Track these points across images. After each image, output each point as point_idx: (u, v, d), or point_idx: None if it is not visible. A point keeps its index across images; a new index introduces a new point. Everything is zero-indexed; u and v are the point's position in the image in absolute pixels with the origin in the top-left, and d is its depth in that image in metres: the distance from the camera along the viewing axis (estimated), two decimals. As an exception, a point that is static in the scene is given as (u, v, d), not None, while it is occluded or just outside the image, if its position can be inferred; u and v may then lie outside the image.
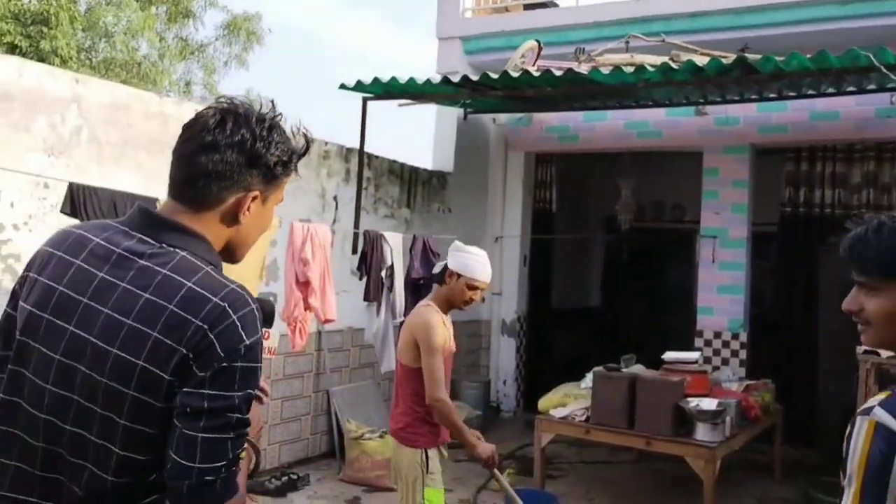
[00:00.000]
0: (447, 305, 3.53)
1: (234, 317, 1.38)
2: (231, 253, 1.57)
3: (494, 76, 6.02)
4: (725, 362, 7.79)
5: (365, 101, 6.77)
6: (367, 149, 6.86)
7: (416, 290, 5.52)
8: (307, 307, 4.95)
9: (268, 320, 1.73)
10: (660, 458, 6.23)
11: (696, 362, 6.00)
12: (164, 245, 1.45)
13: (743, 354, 7.82)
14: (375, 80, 6.37)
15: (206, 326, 1.35)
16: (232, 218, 1.51)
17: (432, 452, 3.46)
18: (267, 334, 1.67)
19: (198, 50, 19.09)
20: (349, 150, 6.92)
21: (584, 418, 5.67)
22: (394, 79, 6.34)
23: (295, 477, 6.02)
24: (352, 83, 6.49)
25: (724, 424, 5.25)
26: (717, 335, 7.94)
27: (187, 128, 1.53)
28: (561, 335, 9.88)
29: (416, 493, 3.35)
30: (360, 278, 5.75)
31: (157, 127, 5.17)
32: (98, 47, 14.33)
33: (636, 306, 10.87)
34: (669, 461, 5.90)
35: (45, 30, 12.78)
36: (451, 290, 3.48)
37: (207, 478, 1.35)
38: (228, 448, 1.37)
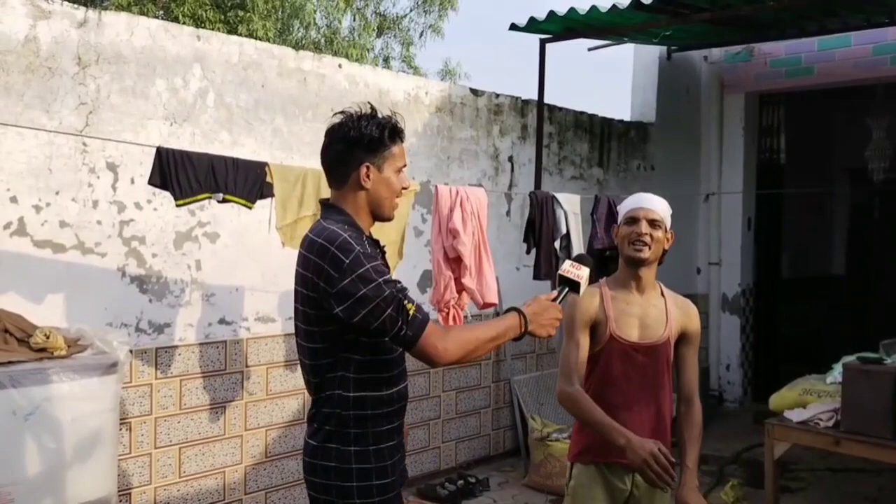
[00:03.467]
0: (624, 274, 2.74)
1: (333, 248, 2.01)
2: (376, 212, 2.19)
3: (698, -9, 4.79)
4: None
5: (542, 43, 5.77)
6: (547, 100, 5.85)
7: (601, 263, 4.46)
8: (460, 289, 4.09)
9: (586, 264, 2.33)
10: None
11: None
12: (321, 220, 2.16)
13: None
14: (551, 14, 5.36)
15: (318, 259, 2.03)
16: (359, 186, 2.14)
17: (580, 470, 2.72)
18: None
19: (394, 23, 18.93)
20: (525, 103, 5.96)
21: (831, 423, 4.36)
22: (573, 10, 5.28)
23: (473, 481, 5.25)
24: (524, 23, 5.53)
25: None
26: None
27: (324, 138, 2.21)
28: (795, 311, 8.31)
29: None
30: (528, 251, 4.78)
31: (294, 86, 4.54)
32: (292, 27, 14.38)
33: (892, 275, 8.96)
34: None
35: (241, 13, 12.96)
36: (620, 248, 2.75)
37: (401, 333, 2.01)
38: (395, 316, 2.00)
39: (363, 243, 2.06)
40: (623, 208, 2.76)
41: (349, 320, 1.99)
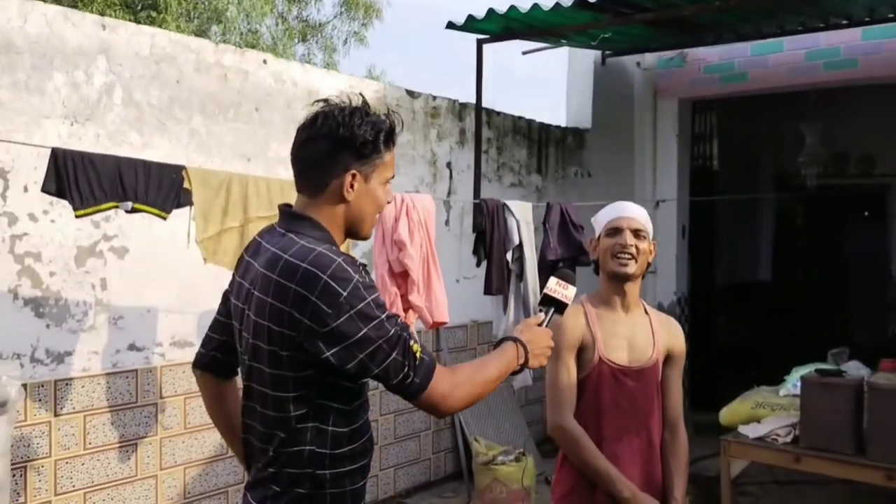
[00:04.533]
0: (606, 291, 2.46)
1: (325, 276, 1.60)
2: (354, 229, 1.82)
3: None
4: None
5: (480, 43, 5.48)
6: (486, 105, 5.57)
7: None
8: (407, 306, 3.72)
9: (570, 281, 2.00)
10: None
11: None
12: (286, 232, 1.72)
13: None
14: (490, 12, 5.07)
15: (302, 290, 1.60)
16: (339, 197, 1.74)
17: None
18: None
19: (316, 29, 18.49)
20: (463, 106, 5.66)
21: (789, 439, 4.18)
22: (513, 9, 5.01)
23: (413, 510, 4.89)
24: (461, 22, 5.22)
25: None
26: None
27: (296, 131, 1.78)
28: (730, 319, 8.28)
29: None
30: (478, 264, 4.47)
31: (214, 83, 4.10)
32: (210, 31, 13.77)
33: (816, 280, 9.08)
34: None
35: (154, 14, 12.31)
36: (601, 263, 2.45)
37: (406, 381, 1.64)
38: (401, 361, 1.63)
39: (359, 269, 1.66)
40: (602, 219, 2.49)
41: (342, 366, 1.61)
